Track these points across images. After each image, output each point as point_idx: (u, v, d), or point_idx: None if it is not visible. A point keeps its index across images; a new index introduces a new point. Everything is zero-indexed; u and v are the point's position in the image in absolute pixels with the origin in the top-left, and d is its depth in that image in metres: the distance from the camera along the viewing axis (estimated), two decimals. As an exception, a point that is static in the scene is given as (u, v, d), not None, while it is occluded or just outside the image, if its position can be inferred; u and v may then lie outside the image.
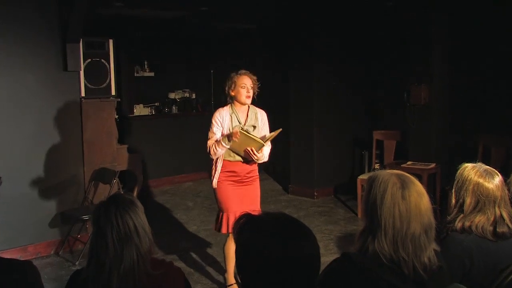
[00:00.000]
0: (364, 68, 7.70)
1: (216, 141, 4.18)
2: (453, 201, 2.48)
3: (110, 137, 6.01)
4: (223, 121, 4.21)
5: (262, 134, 4.31)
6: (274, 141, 4.31)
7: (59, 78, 5.45)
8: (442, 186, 6.21)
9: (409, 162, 6.50)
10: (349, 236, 5.84)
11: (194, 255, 5.36)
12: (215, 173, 4.28)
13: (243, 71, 4.28)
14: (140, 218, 2.06)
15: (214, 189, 4.33)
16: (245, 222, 1.57)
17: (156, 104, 8.86)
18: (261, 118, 4.34)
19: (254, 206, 4.30)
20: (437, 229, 1.97)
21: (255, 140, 4.10)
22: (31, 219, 5.33)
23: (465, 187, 2.43)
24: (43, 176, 5.40)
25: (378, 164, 7.22)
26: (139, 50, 8.54)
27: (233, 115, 4.23)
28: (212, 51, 9.12)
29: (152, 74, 8.80)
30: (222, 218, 4.27)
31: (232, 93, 4.22)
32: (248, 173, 4.32)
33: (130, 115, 8.34)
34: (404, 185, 1.86)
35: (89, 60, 5.90)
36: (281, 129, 4.18)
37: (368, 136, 7.32)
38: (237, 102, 4.23)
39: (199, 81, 9.23)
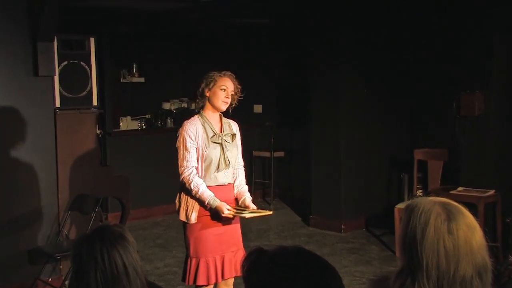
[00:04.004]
0: (403, 71, 7.72)
1: (203, 191, 4.06)
2: (517, 237, 2.48)
3: (90, 157, 6.05)
4: (196, 133, 4.13)
5: (239, 148, 4.38)
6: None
7: (28, 84, 5.48)
8: (503, 218, 6.16)
9: (460, 188, 6.47)
10: (384, 279, 5.81)
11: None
12: (192, 203, 4.13)
13: (228, 73, 4.32)
14: (131, 256, 2.07)
15: (187, 225, 4.18)
16: (257, 258, 1.59)
17: (147, 116, 8.92)
18: (236, 129, 4.36)
19: (236, 247, 4.27)
20: (496, 271, 1.96)
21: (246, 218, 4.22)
22: (-9, 258, 5.35)
23: (532, 220, 2.43)
24: (7, 205, 5.41)
25: (420, 190, 7.20)
26: (126, 51, 8.63)
27: (206, 125, 4.17)
28: (215, 52, 9.18)
29: (142, 79, 8.88)
30: (198, 265, 4.13)
31: (207, 94, 4.20)
32: (230, 203, 4.23)
33: (116, 130, 8.40)
34: (450, 216, 1.86)
35: (66, 62, 5.97)
36: (271, 212, 4.43)
37: (408, 156, 7.31)
38: (210, 106, 4.21)
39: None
